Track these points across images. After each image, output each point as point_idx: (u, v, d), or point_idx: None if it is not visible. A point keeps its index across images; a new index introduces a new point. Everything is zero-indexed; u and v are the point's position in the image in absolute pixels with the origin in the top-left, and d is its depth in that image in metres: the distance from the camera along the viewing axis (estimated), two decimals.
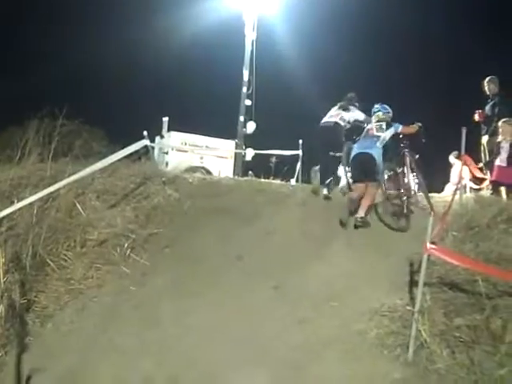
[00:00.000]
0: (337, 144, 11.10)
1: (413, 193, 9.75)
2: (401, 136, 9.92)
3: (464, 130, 9.58)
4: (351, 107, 11.59)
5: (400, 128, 9.77)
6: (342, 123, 11.29)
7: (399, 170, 9.72)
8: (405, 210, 9.23)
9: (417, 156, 9.98)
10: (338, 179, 11.57)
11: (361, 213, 9.06)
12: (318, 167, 11.68)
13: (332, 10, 27.21)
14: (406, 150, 9.88)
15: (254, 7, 22.43)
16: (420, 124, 9.84)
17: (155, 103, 29.11)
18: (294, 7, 23.72)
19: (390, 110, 10.11)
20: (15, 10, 31.68)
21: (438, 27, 36.09)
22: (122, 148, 10.56)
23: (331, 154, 11.07)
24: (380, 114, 10.03)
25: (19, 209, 8.11)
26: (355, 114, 11.44)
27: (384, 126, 9.78)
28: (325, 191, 10.70)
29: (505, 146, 11.02)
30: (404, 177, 9.67)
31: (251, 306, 6.97)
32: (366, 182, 9.49)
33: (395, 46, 35.68)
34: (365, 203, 9.18)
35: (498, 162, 10.98)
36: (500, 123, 11.24)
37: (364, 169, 9.54)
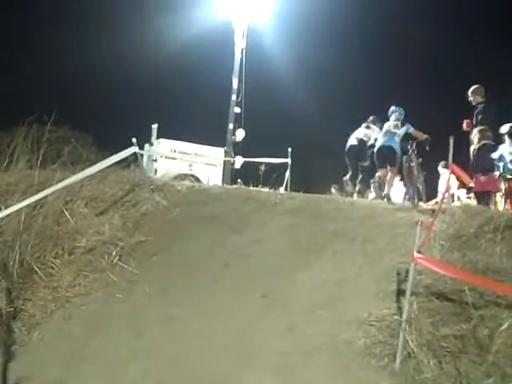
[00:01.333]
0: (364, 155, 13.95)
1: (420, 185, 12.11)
2: (410, 141, 12.31)
3: (452, 139, 9.62)
4: (373, 127, 14.23)
5: (411, 129, 12.39)
6: (366, 139, 14.05)
7: (412, 164, 12.00)
8: (415, 195, 11.60)
9: (420, 159, 12.21)
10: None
11: (386, 190, 11.97)
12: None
13: (322, 18, 27.35)
14: (415, 151, 12.14)
15: (244, 15, 22.49)
16: (428, 136, 12.17)
17: (144, 110, 29.11)
18: (284, 15, 23.87)
19: (403, 111, 12.82)
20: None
21: (429, 33, 36.14)
22: (111, 155, 10.52)
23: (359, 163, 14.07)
24: (397, 114, 12.74)
25: (7, 216, 8.06)
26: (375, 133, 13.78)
27: (399, 125, 12.49)
28: (349, 188, 13.84)
29: (473, 153, 11.22)
30: (415, 170, 12.01)
31: (239, 313, 6.98)
32: (388, 167, 12.35)
33: (386, 54, 35.84)
34: (389, 183, 12.16)
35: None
36: (474, 131, 11.44)
37: (386, 157, 12.33)
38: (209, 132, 21.73)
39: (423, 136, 12.18)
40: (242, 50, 22.21)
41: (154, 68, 30.04)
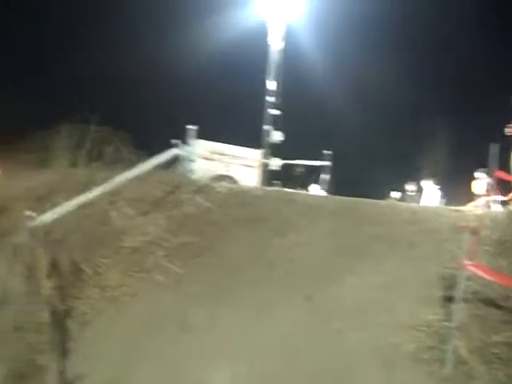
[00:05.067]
0: None
1: None
2: None
3: (494, 146, 9.56)
4: None
5: None
6: None
7: None
8: None
9: None
10: None
11: None
12: None
13: (362, 18, 27.08)
14: None
15: (281, 16, 22.46)
16: None
17: (180, 111, 29.07)
18: (323, 16, 23.81)
19: None
20: (42, 11, 31.75)
21: (480, 38, 35.24)
22: (150, 155, 10.64)
23: None
24: None
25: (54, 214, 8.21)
26: None
27: None
28: None
29: None
30: None
31: (283, 316, 7.04)
32: None
33: (428, 51, 35.06)
34: None
35: None
36: None
37: None
38: (246, 133, 21.71)
39: None
40: (279, 51, 22.19)
41: (190, 70, 30.00)
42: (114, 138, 13.20)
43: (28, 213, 7.75)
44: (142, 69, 28.90)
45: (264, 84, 22.17)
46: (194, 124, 18.92)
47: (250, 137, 20.97)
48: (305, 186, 13.72)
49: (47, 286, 7.24)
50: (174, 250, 8.71)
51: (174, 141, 11.35)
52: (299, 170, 16.29)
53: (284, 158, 18.24)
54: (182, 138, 18.57)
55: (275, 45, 22.31)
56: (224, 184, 12.81)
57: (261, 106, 22.06)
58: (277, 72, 21.94)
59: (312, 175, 14.62)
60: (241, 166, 18.70)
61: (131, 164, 10.42)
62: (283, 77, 21.98)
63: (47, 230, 8.26)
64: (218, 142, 18.79)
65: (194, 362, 6.32)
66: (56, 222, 8.30)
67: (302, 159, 15.26)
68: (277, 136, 21.01)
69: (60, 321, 7.00)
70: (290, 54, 22.73)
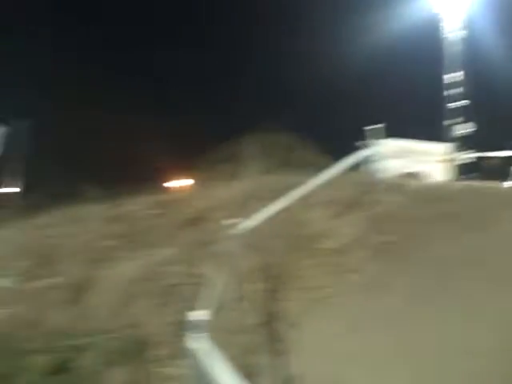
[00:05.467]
0: None
1: None
2: None
3: None
4: None
5: None
6: None
7: None
8: None
9: None
10: None
11: None
12: None
13: None
14: None
15: (458, 6, 21.73)
16: None
17: (355, 109, 28.87)
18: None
19: None
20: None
21: None
22: (335, 158, 10.62)
23: None
24: None
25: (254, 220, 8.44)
26: None
27: None
28: None
29: None
30: None
31: (495, 315, 6.68)
32: None
33: None
34: None
35: None
36: None
37: None
38: (424, 128, 21.09)
39: None
40: (460, 40, 21.41)
41: (360, 65, 29.58)
42: (299, 144, 13.47)
43: (231, 221, 8.04)
44: (312, 67, 29.04)
45: (435, 77, 21.57)
46: (377, 122, 18.79)
47: (429, 131, 20.33)
48: (501, 179, 12.92)
49: (255, 289, 7.47)
50: (374, 250, 8.64)
51: (359, 142, 11.27)
52: (494, 162, 15.45)
53: (473, 150, 17.49)
54: (362, 137, 18.55)
55: (455, 35, 21.61)
56: (414, 181, 12.53)
57: (436, 99, 21.44)
58: (459, 62, 21.20)
59: (508, 166, 13.76)
60: (430, 161, 18.19)
61: (319, 168, 10.49)
62: (468, 66, 21.20)
63: (249, 236, 8.55)
64: (397, 138, 18.41)
65: (405, 361, 6.18)
66: (256, 228, 8.55)
67: (493, 150, 14.46)
68: (466, 127, 20.18)
69: (270, 322, 7.17)
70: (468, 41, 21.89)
